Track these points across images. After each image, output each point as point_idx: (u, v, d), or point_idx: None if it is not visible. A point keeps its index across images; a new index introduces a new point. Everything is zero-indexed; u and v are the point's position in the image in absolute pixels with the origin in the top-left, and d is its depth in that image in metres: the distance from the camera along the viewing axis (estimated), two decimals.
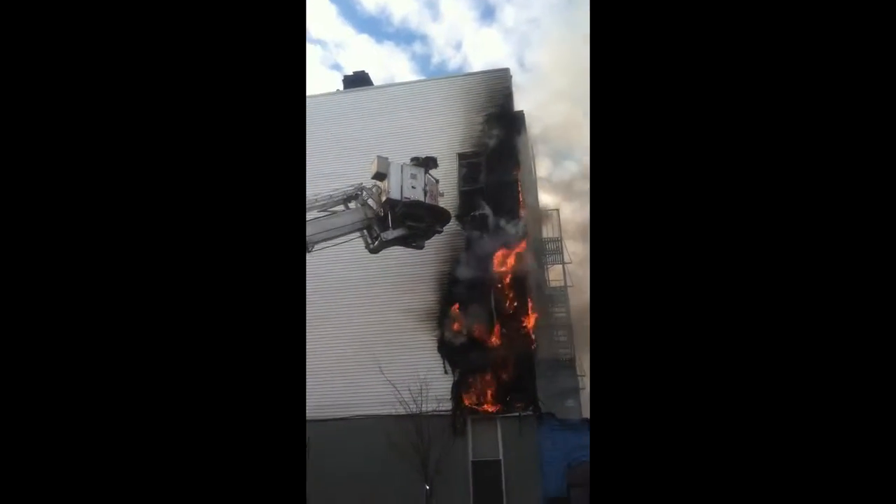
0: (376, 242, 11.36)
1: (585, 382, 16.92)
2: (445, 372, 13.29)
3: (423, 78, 28.80)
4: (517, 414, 12.76)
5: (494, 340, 13.54)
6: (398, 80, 43.27)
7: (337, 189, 11.31)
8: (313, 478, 12.28)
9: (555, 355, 15.59)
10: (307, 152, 14.94)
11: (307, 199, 11.00)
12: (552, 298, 15.83)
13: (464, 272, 13.92)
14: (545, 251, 16.03)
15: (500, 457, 12.59)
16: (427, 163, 11.65)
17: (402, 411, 12.04)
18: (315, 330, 13.80)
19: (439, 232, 12.37)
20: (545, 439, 12.52)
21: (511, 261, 14.27)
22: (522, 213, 14.83)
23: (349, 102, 16.61)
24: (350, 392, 13.23)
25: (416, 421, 11.81)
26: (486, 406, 13.06)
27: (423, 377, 12.52)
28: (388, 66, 72.50)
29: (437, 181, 12.01)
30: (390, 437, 11.45)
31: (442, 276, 14.10)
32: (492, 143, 15.06)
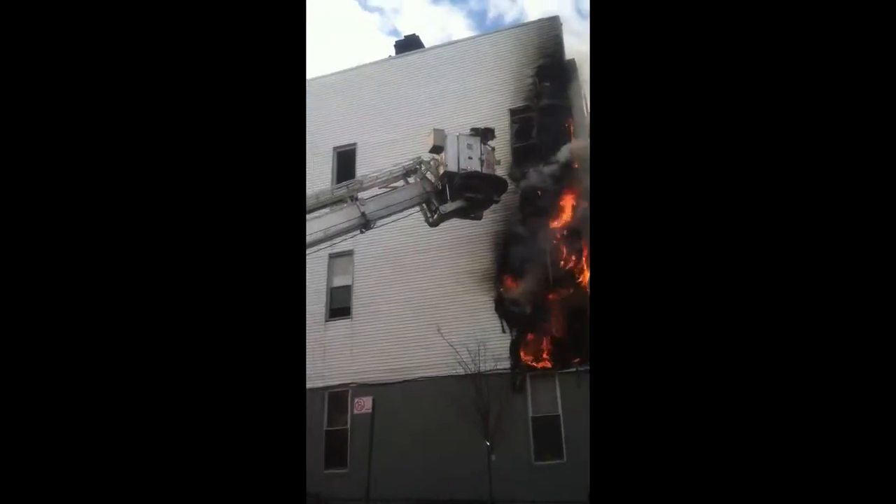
0: (435, 216, 11.41)
1: None
2: (503, 331, 13.56)
3: (478, 34, 27.64)
4: (574, 370, 13.04)
5: (551, 297, 13.69)
6: (455, 38, 41.68)
7: (396, 164, 11.33)
8: (379, 439, 13.05)
9: None
10: (357, 122, 14.82)
11: (368, 175, 11.10)
12: None
13: (518, 230, 13.95)
14: None
15: (560, 412, 12.99)
16: (485, 134, 11.47)
17: (461, 372, 12.43)
18: (377, 296, 14.29)
19: (497, 202, 12.33)
20: None
21: (565, 216, 14.21)
22: (576, 166, 14.61)
23: (399, 68, 16.32)
24: (410, 355, 13.65)
25: (475, 380, 12.18)
26: (543, 363, 13.37)
27: (480, 337, 12.86)
28: (445, 26, 69.88)
29: (493, 149, 11.88)
30: (451, 398, 11.88)
31: (497, 235, 14.15)
32: (543, 95, 14.69)
